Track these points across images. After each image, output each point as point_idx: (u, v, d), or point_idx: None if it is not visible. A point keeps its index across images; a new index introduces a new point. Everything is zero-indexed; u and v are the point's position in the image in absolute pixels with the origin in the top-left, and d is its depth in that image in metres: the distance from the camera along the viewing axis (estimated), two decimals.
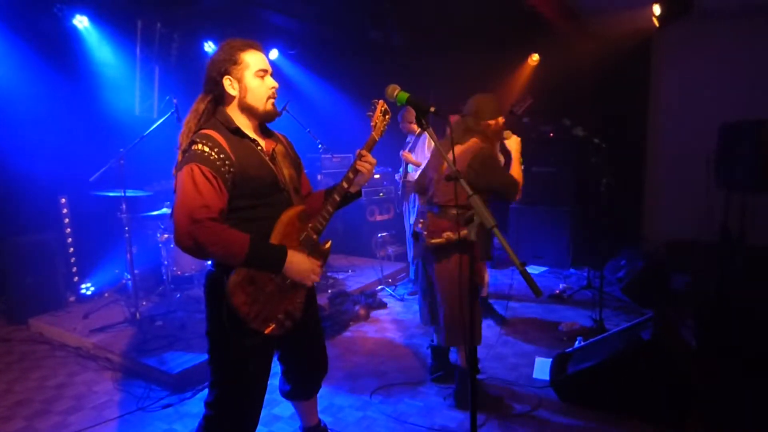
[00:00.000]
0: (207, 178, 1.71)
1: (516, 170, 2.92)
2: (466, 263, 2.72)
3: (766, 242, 4.57)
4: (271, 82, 1.90)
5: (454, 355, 3.12)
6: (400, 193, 5.29)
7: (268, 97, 1.89)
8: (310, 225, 1.96)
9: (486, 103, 2.91)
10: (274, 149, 1.95)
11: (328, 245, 2.07)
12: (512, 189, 2.81)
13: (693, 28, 5.58)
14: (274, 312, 1.87)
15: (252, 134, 1.91)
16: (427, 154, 3.95)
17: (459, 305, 2.79)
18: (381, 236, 5.96)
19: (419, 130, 4.88)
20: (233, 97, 1.86)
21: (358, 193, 2.16)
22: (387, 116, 2.10)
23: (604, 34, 5.59)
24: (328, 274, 5.36)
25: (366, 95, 2.14)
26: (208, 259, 1.83)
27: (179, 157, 1.80)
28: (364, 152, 2.02)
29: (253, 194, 1.83)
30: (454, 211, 2.81)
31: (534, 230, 6.10)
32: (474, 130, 2.87)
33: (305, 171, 2.24)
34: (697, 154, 5.12)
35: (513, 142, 2.99)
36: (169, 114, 4.06)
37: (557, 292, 4.98)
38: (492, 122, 2.90)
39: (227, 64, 1.83)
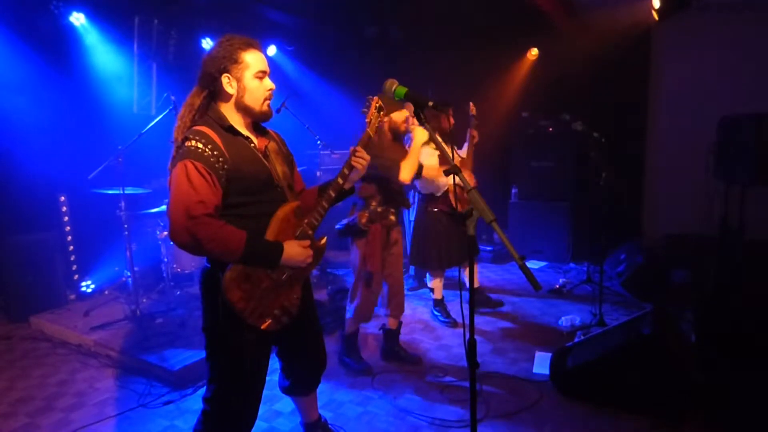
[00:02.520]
0: (201, 174, 1.71)
1: (410, 156, 3.05)
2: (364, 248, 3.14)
3: (766, 235, 4.56)
4: (269, 83, 1.89)
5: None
6: None
7: (265, 99, 1.90)
8: (305, 221, 1.97)
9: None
10: (267, 146, 1.96)
11: (323, 241, 2.08)
12: (391, 170, 2.98)
13: (692, 21, 5.55)
14: (270, 307, 1.88)
15: (245, 132, 1.91)
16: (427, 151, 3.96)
17: (354, 286, 3.25)
18: None
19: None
20: (230, 96, 1.86)
21: (352, 189, 2.19)
22: (382, 113, 2.10)
23: (603, 28, 5.56)
24: (328, 270, 5.36)
25: (365, 91, 2.15)
26: (204, 256, 1.83)
27: (173, 153, 1.80)
28: (358, 148, 2.03)
29: (247, 191, 1.83)
30: (374, 203, 3.11)
31: (533, 225, 6.09)
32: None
33: (305, 167, 2.26)
34: (697, 148, 5.10)
35: (416, 132, 3.10)
36: (167, 111, 4.05)
37: (557, 286, 4.98)
38: (384, 119, 3.09)
39: (227, 62, 1.82)
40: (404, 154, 3.12)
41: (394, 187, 3.14)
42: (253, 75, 1.85)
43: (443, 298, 4.32)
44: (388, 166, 2.99)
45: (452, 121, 4.06)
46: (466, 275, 4.25)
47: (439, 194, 3.92)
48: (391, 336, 3.58)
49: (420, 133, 3.10)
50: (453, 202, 3.87)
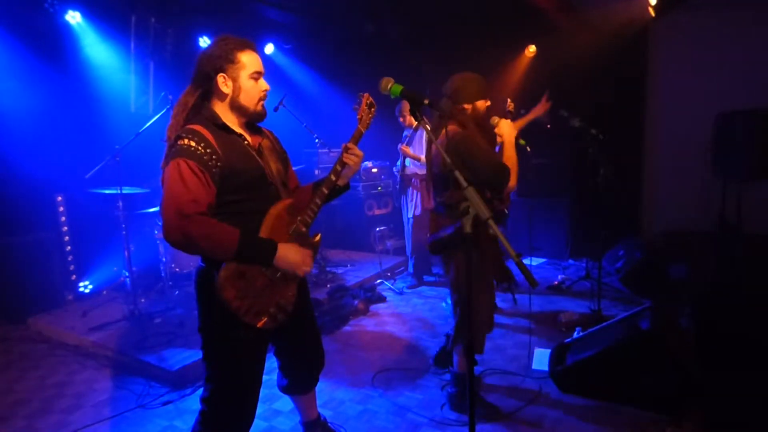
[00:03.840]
0: (194, 172, 1.71)
1: (508, 156, 2.57)
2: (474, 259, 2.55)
3: (763, 230, 4.57)
4: (264, 84, 1.91)
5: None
6: (398, 187, 5.28)
7: (260, 99, 1.91)
8: (299, 218, 1.97)
9: (464, 85, 2.61)
10: (260, 144, 1.96)
11: (317, 238, 2.07)
12: (499, 174, 2.45)
13: (689, 18, 5.55)
14: (265, 305, 1.87)
15: (238, 130, 1.91)
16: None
17: (459, 304, 2.69)
18: (379, 230, 5.96)
19: (416, 123, 4.87)
20: (226, 95, 1.86)
21: (347, 186, 2.17)
22: (373, 109, 2.11)
23: (600, 25, 5.56)
24: (327, 269, 5.35)
25: (362, 89, 2.14)
26: (198, 254, 1.82)
27: (166, 151, 1.80)
28: (350, 145, 2.04)
29: (241, 188, 1.83)
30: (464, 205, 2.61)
31: (532, 221, 6.08)
32: (449, 115, 2.57)
33: (303, 166, 2.26)
34: (694, 144, 5.10)
35: (504, 126, 2.64)
36: (164, 110, 4.04)
37: (556, 283, 4.98)
38: (468, 106, 2.60)
39: (223, 61, 1.82)
40: (490, 149, 2.66)
41: (484, 189, 2.51)
42: (248, 75, 1.86)
43: None
44: (493, 170, 2.45)
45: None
46: None
47: None
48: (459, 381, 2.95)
49: (508, 127, 2.63)
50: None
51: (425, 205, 4.83)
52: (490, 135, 2.75)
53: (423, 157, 4.38)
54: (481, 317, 2.66)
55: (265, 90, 1.92)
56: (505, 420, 2.75)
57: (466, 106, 2.61)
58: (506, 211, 3.16)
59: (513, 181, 2.50)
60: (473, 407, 1.73)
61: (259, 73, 1.89)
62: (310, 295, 2.23)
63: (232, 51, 1.83)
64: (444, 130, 2.52)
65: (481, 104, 2.64)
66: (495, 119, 2.69)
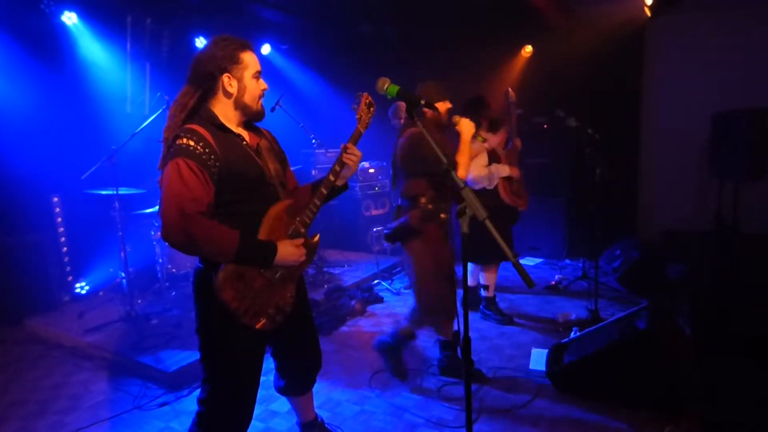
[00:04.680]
0: (193, 171, 1.70)
1: (462, 151, 2.82)
2: (421, 248, 2.95)
3: (760, 229, 4.58)
4: (263, 84, 1.95)
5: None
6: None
7: (260, 98, 1.94)
8: (297, 219, 1.97)
9: (424, 91, 2.92)
10: (258, 144, 1.96)
11: (316, 239, 2.07)
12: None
13: (685, 18, 5.56)
14: (264, 307, 1.87)
15: (236, 130, 1.91)
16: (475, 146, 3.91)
17: (418, 289, 3.00)
18: (376, 231, 5.95)
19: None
20: (231, 95, 1.87)
21: (345, 186, 2.17)
22: (372, 109, 2.11)
23: (596, 25, 5.57)
24: (324, 269, 5.35)
25: (360, 89, 2.14)
26: (197, 255, 1.82)
27: (164, 152, 1.79)
28: (349, 145, 2.04)
29: (239, 188, 1.83)
30: (423, 200, 2.89)
31: (529, 221, 6.07)
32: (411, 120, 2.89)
33: (300, 166, 2.26)
34: (691, 144, 5.12)
35: (463, 126, 2.86)
36: (160, 111, 4.03)
37: (553, 283, 4.98)
38: (427, 110, 2.87)
39: (227, 62, 1.83)
40: (447, 147, 2.89)
41: (446, 182, 2.86)
42: (251, 75, 1.88)
43: (495, 297, 4.17)
44: (440, 162, 2.78)
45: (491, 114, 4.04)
46: (483, 274, 4.12)
47: (490, 187, 3.84)
48: (447, 346, 3.24)
49: (467, 126, 2.85)
50: (503, 194, 3.84)
51: None
52: (452, 133, 3.02)
53: None
54: (442, 304, 2.97)
55: (264, 89, 1.95)
56: (503, 420, 2.75)
57: (425, 110, 2.89)
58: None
59: (462, 173, 2.80)
60: (469, 405, 1.73)
61: (259, 72, 1.92)
62: (308, 295, 2.23)
63: (235, 51, 1.85)
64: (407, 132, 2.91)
65: (441, 106, 2.91)
66: (456, 118, 2.92)
